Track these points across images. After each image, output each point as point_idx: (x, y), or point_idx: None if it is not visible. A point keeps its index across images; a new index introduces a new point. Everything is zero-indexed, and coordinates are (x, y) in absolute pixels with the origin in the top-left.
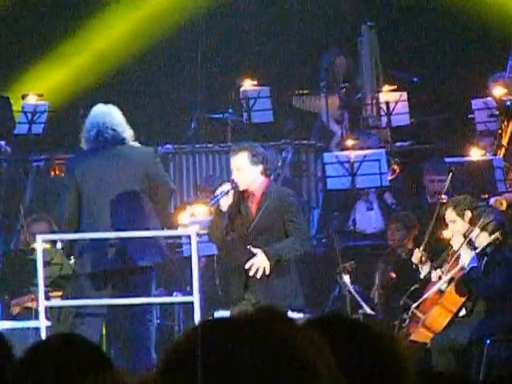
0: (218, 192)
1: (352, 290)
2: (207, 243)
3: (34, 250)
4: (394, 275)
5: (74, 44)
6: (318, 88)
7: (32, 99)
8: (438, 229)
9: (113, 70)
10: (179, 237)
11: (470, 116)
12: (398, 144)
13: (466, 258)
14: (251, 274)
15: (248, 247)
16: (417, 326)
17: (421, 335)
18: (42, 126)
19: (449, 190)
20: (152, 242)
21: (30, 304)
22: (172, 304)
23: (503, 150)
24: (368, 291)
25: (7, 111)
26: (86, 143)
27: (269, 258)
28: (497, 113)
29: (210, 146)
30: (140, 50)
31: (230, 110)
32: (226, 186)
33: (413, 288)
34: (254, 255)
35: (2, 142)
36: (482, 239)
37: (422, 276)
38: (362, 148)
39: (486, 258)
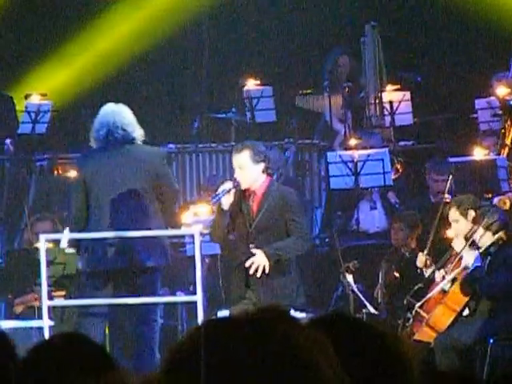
0: (219, 190)
1: (355, 290)
2: (210, 242)
3: (37, 249)
4: (397, 274)
5: (77, 44)
6: (321, 87)
7: (35, 99)
8: (442, 228)
9: (116, 70)
10: (182, 236)
11: (473, 115)
12: (402, 143)
13: (469, 257)
14: (251, 272)
15: (250, 246)
16: (420, 325)
17: (424, 334)
18: (46, 125)
19: (452, 189)
20: (157, 243)
21: (33, 303)
22: (175, 304)
23: (507, 149)
24: (371, 290)
25: (11, 111)
26: (95, 142)
27: (268, 258)
28: (500, 112)
29: (213, 145)
30: (143, 49)
31: (234, 110)
32: (228, 185)
33: (416, 287)
34: (254, 254)
35: (8, 141)
36: (486, 239)
37: (426, 276)
38: (365, 147)
39: (489, 258)
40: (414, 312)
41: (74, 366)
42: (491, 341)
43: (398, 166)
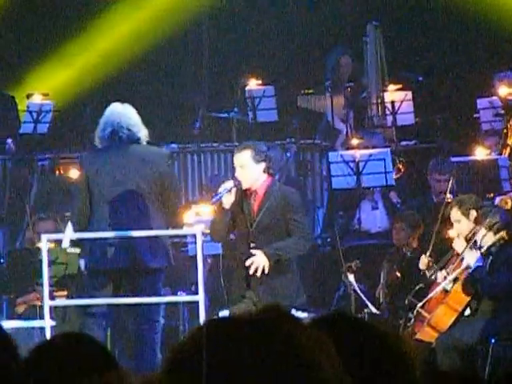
0: (220, 189)
1: (357, 289)
2: (212, 242)
3: (39, 249)
4: (399, 274)
5: (77, 44)
6: (323, 87)
7: (37, 98)
8: (444, 228)
9: (117, 70)
10: (184, 236)
11: (475, 115)
12: (404, 143)
13: (471, 257)
14: (250, 272)
15: (251, 246)
16: (422, 325)
17: (426, 334)
18: (47, 125)
19: (454, 189)
20: (160, 244)
21: (35, 303)
22: (177, 303)
23: (508, 149)
24: (373, 290)
25: (12, 110)
26: (100, 141)
27: (268, 258)
28: (502, 112)
29: (215, 145)
30: (144, 49)
31: (235, 109)
32: (229, 184)
33: (418, 287)
34: (254, 254)
35: (9, 140)
36: (487, 239)
37: (428, 276)
38: (367, 147)
39: (491, 258)
40: (415, 312)
41: (76, 366)
42: (493, 341)
43: (400, 166)
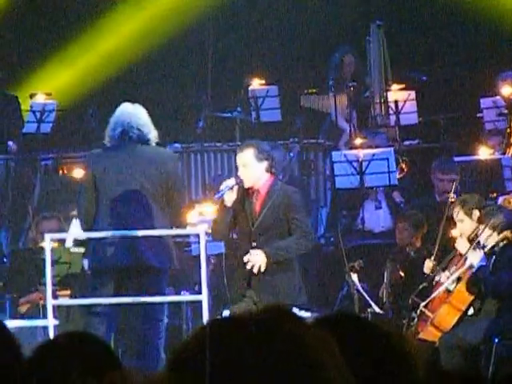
0: (222, 186)
1: (360, 289)
2: (216, 242)
3: (42, 248)
4: (402, 274)
5: (81, 44)
6: (326, 87)
7: (40, 98)
8: (447, 228)
9: (120, 70)
10: (188, 236)
11: (478, 115)
12: (407, 143)
13: (474, 257)
14: (248, 267)
15: (253, 245)
16: (425, 324)
17: (429, 334)
18: (51, 125)
19: (457, 188)
20: (164, 245)
21: (38, 301)
22: (180, 303)
23: None
24: (376, 290)
25: (16, 110)
26: (109, 140)
27: (268, 257)
28: (505, 112)
29: (218, 144)
30: (147, 49)
31: (239, 109)
32: (231, 181)
33: (421, 287)
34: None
35: (10, 143)
36: (491, 238)
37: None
38: (370, 147)
39: (494, 257)
40: (418, 311)
41: (79, 365)
42: (496, 340)
43: (403, 166)
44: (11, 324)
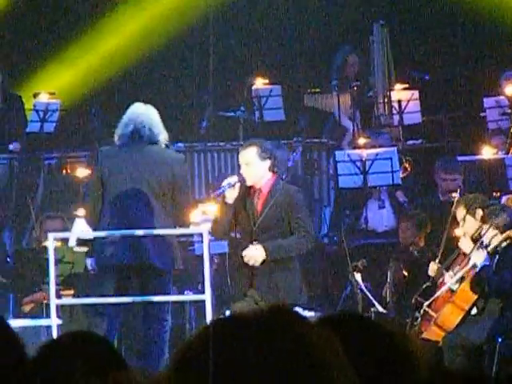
0: (224, 183)
1: (364, 289)
2: (220, 241)
3: (45, 247)
4: (405, 273)
5: (84, 44)
6: (329, 86)
7: (44, 98)
8: (450, 228)
9: (123, 69)
10: (191, 235)
11: (481, 114)
12: (410, 142)
13: (478, 256)
14: (245, 260)
15: (254, 244)
16: (429, 324)
17: (433, 333)
18: (54, 124)
19: (461, 188)
20: (169, 246)
21: (41, 301)
22: (183, 302)
23: None
24: (380, 289)
25: (19, 109)
26: (119, 138)
27: (267, 253)
28: (509, 111)
29: (221, 144)
30: (150, 49)
31: (242, 109)
32: (233, 179)
33: (424, 286)
34: None
35: (11, 146)
36: (494, 238)
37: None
38: (373, 146)
39: (497, 257)
40: (422, 311)
41: (83, 365)
42: (499, 340)
43: (407, 165)
44: (15, 323)
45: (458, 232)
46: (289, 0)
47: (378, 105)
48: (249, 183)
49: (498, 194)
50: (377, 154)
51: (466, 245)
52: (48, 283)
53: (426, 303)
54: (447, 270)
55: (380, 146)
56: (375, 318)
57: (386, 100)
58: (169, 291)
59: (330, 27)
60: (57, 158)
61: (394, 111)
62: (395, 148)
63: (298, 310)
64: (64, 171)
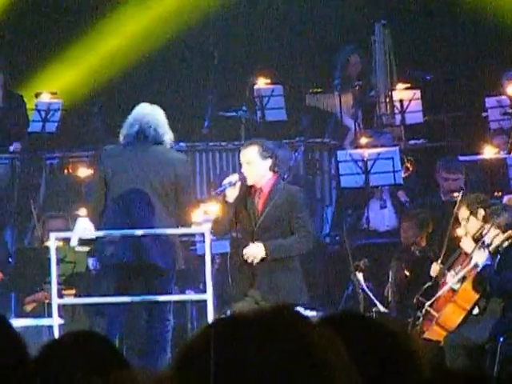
0: (225, 181)
1: (365, 288)
2: (221, 241)
3: (47, 247)
4: (407, 273)
5: (85, 44)
6: (331, 86)
7: (45, 97)
8: (452, 228)
9: (125, 69)
10: (193, 235)
11: (483, 114)
12: (412, 142)
13: (479, 256)
14: (245, 257)
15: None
16: (430, 323)
17: (434, 333)
18: (56, 124)
19: (462, 188)
20: (171, 246)
21: (43, 300)
22: (185, 302)
23: None
24: (381, 289)
25: (21, 109)
26: (124, 138)
27: (267, 252)
28: (510, 111)
29: (223, 143)
30: (152, 49)
31: (244, 108)
32: (234, 177)
33: (426, 286)
34: None
35: (11, 147)
36: (496, 237)
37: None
38: (375, 146)
39: (499, 256)
40: (423, 310)
41: (85, 364)
42: (501, 339)
43: (408, 165)
44: (16, 323)
45: (459, 232)
46: (291, 0)
47: (380, 104)
48: (250, 182)
49: (500, 193)
50: (378, 154)
51: (467, 244)
52: (50, 283)
53: (428, 303)
54: (449, 270)
55: (382, 146)
56: (377, 318)
57: (387, 100)
58: (170, 291)
59: (332, 27)
60: (58, 157)
61: (396, 111)
62: (397, 148)
63: (300, 309)
64: (66, 171)
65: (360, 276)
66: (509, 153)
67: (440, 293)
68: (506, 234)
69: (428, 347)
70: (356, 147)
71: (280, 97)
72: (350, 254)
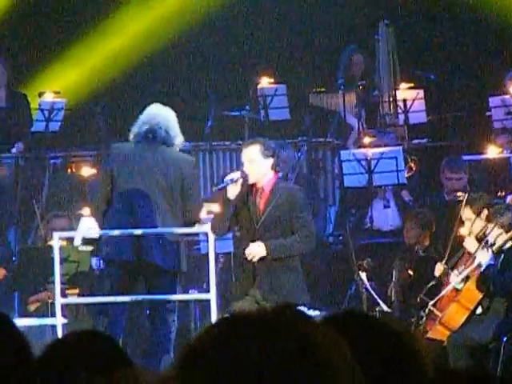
0: (227, 178)
1: (369, 288)
2: (224, 240)
3: (50, 247)
4: (410, 273)
5: (88, 43)
6: (335, 85)
7: (49, 97)
8: (456, 227)
9: (128, 69)
10: (196, 234)
11: (487, 114)
12: (415, 141)
13: (483, 256)
14: (246, 256)
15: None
16: (434, 323)
17: (438, 333)
18: (59, 123)
19: (466, 187)
20: (172, 245)
21: (47, 300)
22: (188, 302)
23: None
24: (385, 289)
25: (25, 108)
26: (134, 137)
27: (268, 251)
28: None
29: (226, 143)
30: (155, 49)
31: (247, 108)
32: (236, 174)
33: (430, 285)
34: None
35: (13, 149)
36: (499, 237)
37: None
38: (379, 145)
39: (502, 256)
40: (427, 310)
41: (89, 364)
42: (505, 339)
43: (412, 164)
44: (20, 322)
45: (463, 231)
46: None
47: (384, 104)
48: (251, 180)
49: (503, 193)
50: (382, 154)
51: (471, 244)
52: (53, 282)
53: (431, 302)
54: (452, 270)
55: (385, 146)
56: (380, 318)
57: (391, 99)
58: (174, 291)
59: (336, 26)
60: (62, 157)
61: (400, 110)
62: (400, 147)
63: (303, 309)
64: (69, 170)
65: (363, 275)
66: None
67: (443, 292)
68: (509, 234)
69: (431, 347)
70: (359, 147)
71: (283, 96)
72: (354, 253)
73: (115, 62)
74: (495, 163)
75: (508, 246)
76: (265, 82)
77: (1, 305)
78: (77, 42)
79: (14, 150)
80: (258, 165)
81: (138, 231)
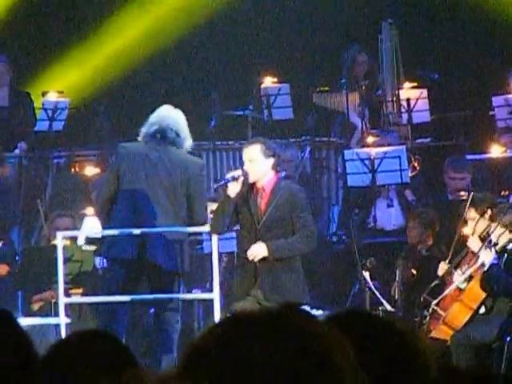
0: (228, 175)
1: (372, 287)
2: (228, 240)
3: (54, 246)
4: (414, 272)
5: (91, 43)
6: (338, 85)
7: (52, 96)
8: (459, 226)
9: (131, 68)
10: (200, 233)
11: (490, 113)
12: (419, 141)
13: (486, 255)
14: (249, 258)
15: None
16: (437, 322)
17: (441, 332)
18: (63, 122)
19: (469, 187)
20: (178, 249)
21: (50, 299)
22: (191, 301)
23: None
24: (388, 288)
25: (29, 107)
26: (143, 136)
27: (269, 252)
28: None
29: (230, 143)
30: (158, 48)
31: (251, 107)
32: (237, 172)
33: (433, 284)
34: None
35: (16, 150)
36: (503, 236)
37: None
38: (382, 145)
39: (506, 255)
40: (430, 309)
41: (93, 363)
42: (508, 339)
43: (415, 164)
44: (23, 322)
45: (466, 231)
46: None
47: (387, 103)
48: (251, 180)
49: (507, 192)
50: (385, 153)
51: (474, 243)
52: (57, 282)
53: (435, 302)
54: (456, 269)
55: (389, 145)
56: (384, 317)
57: (394, 98)
58: (177, 291)
59: (339, 26)
60: (65, 156)
61: (403, 110)
62: (404, 146)
63: (306, 308)
64: (72, 170)
65: (367, 275)
66: None
67: (446, 292)
68: None
69: (435, 346)
70: (363, 146)
71: (287, 95)
72: (357, 252)
73: (118, 61)
74: (498, 162)
75: (511, 245)
76: (268, 82)
77: (4, 304)
78: (79, 42)
79: (17, 151)
80: (258, 164)
81: (141, 231)
